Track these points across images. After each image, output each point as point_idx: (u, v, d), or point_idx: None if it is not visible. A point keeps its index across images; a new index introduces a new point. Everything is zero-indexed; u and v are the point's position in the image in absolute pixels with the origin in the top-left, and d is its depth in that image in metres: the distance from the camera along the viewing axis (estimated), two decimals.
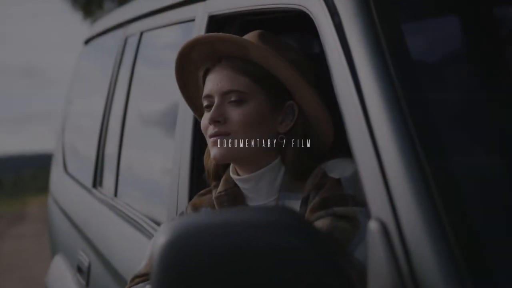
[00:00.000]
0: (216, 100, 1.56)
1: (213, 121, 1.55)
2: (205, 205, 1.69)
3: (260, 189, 1.58)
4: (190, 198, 1.88)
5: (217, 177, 1.70)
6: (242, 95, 1.54)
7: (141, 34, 2.75)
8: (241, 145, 1.53)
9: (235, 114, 1.53)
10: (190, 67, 1.66)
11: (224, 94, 1.56)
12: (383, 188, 1.10)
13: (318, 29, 1.38)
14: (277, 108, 1.56)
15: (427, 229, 1.02)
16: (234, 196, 1.61)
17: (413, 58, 1.22)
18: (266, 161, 1.58)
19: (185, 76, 1.69)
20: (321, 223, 1.38)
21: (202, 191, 1.76)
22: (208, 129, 1.58)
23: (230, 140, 1.54)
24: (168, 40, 2.61)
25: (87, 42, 3.80)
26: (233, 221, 1.04)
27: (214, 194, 1.68)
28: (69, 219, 3.17)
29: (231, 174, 1.65)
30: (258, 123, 1.53)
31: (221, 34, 1.59)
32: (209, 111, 1.58)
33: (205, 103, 1.60)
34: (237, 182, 1.62)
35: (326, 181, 1.45)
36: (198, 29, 2.03)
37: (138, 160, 2.71)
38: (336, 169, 1.47)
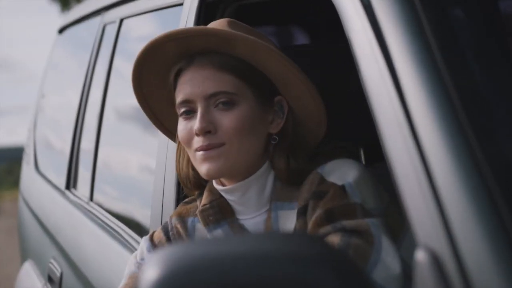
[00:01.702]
0: (200, 106, 1.34)
1: (204, 132, 1.33)
2: (192, 215, 1.49)
3: (248, 200, 1.41)
4: (177, 203, 1.68)
5: (198, 187, 1.50)
6: (231, 97, 1.34)
7: (121, 21, 2.56)
8: (238, 155, 1.35)
9: (226, 120, 1.33)
10: (151, 71, 1.43)
11: (209, 98, 1.34)
12: (434, 206, 0.86)
13: (339, 12, 1.15)
14: (266, 106, 1.39)
15: (497, 261, 0.79)
16: (220, 209, 1.44)
17: (462, 44, 0.99)
18: (256, 168, 1.39)
19: (145, 84, 1.46)
20: (330, 240, 1.21)
21: (187, 199, 1.56)
22: (193, 142, 1.36)
23: (225, 152, 1.34)
24: (151, 28, 2.41)
25: (61, 31, 3.56)
26: (244, 252, 0.80)
27: (198, 204, 1.48)
28: (40, 223, 2.98)
29: (214, 184, 1.45)
30: (252, 126, 1.35)
31: (202, 28, 1.37)
32: (188, 118, 1.37)
33: (181, 109, 1.38)
34: (222, 193, 1.44)
35: (327, 188, 1.29)
36: (187, 15, 1.81)
37: (117, 160, 2.52)
38: (335, 172, 1.31)
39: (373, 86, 1.01)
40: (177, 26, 1.88)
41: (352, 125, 2.11)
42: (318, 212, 1.26)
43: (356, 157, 1.43)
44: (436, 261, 0.85)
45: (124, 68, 2.55)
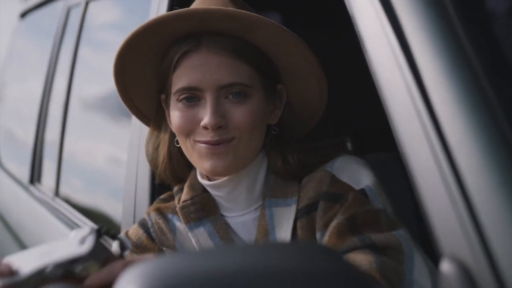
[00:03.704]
0: (209, 97, 1.21)
1: (216, 127, 1.20)
2: (171, 212, 1.36)
3: (237, 196, 1.30)
4: (152, 197, 1.57)
5: (176, 180, 1.37)
6: (245, 89, 1.22)
7: (87, 4, 2.43)
8: (246, 150, 1.25)
9: (238, 114, 1.21)
10: (139, 49, 1.27)
11: (222, 88, 1.21)
12: (462, 210, 0.74)
13: None
14: (270, 96, 1.28)
15: None
16: (203, 206, 1.31)
17: (495, 28, 0.86)
18: (248, 162, 1.28)
19: (127, 62, 1.28)
20: (361, 259, 1.09)
21: (163, 196, 1.43)
22: (194, 132, 1.23)
23: (234, 147, 1.23)
24: (120, 11, 2.28)
25: (23, 15, 3.39)
26: (243, 267, 0.66)
27: (177, 201, 1.35)
28: (3, 220, 2.84)
29: (199, 178, 1.32)
30: (261, 119, 1.25)
31: (230, 10, 1.20)
32: (190, 106, 1.23)
33: (182, 95, 1.23)
34: (208, 189, 1.32)
35: (343, 191, 1.20)
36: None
37: (84, 152, 2.40)
38: (345, 171, 1.22)
39: (384, 70, 0.87)
40: (148, 8, 1.74)
41: (338, 114, 1.99)
42: (340, 218, 1.16)
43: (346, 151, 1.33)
44: (465, 273, 0.72)
45: (91, 55, 2.43)
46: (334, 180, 1.21)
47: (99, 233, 0.85)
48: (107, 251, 0.85)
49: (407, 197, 1.70)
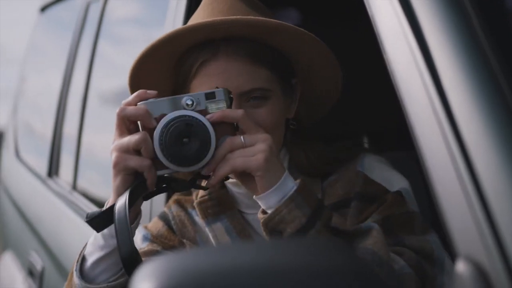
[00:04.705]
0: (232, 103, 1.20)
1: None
2: (190, 206, 1.37)
3: None
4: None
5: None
6: (265, 93, 1.22)
7: None
8: None
9: (260, 115, 1.21)
10: (156, 58, 1.25)
11: (243, 94, 1.20)
12: (478, 211, 0.73)
13: None
14: (286, 93, 1.28)
15: None
16: (219, 202, 1.32)
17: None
18: None
19: (143, 71, 1.27)
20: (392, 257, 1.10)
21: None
22: None
23: None
24: (139, 6, 2.27)
25: (43, 9, 3.39)
26: (255, 264, 0.66)
27: (194, 197, 1.36)
28: (21, 213, 2.83)
29: None
30: (282, 116, 1.26)
31: (251, 19, 1.18)
32: None
33: None
34: (229, 185, 1.31)
35: (379, 192, 1.22)
36: None
37: (101, 146, 2.36)
38: (377, 171, 1.24)
39: (402, 70, 0.87)
40: (167, 5, 1.74)
41: (356, 112, 1.98)
42: (376, 218, 1.17)
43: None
44: (481, 274, 0.72)
45: (109, 49, 2.42)
46: (368, 180, 1.23)
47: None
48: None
49: (423, 196, 1.69)
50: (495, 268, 0.71)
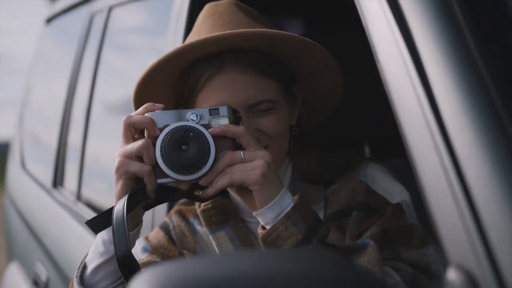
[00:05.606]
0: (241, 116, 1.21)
1: None
2: (192, 216, 1.38)
3: None
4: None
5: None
6: (271, 105, 1.23)
7: (110, 10, 2.43)
8: (279, 155, 1.26)
9: (268, 124, 1.23)
10: (162, 72, 1.26)
11: (251, 107, 1.21)
12: (469, 219, 0.74)
13: None
14: (289, 100, 1.29)
15: None
16: (223, 210, 1.33)
17: (505, 38, 0.86)
18: (279, 166, 1.29)
19: (149, 86, 1.27)
20: (386, 271, 1.12)
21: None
22: None
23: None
24: (142, 17, 2.28)
25: (48, 21, 3.41)
26: (254, 273, 0.67)
27: (197, 205, 1.36)
28: (26, 224, 2.83)
29: None
30: (287, 123, 1.28)
31: (255, 31, 1.19)
32: None
33: None
34: (232, 194, 1.30)
35: (380, 203, 1.23)
36: (180, 3, 1.66)
37: (106, 156, 2.37)
38: (380, 182, 1.27)
39: (394, 79, 0.87)
40: (168, 14, 1.75)
41: (357, 120, 1.98)
42: (375, 230, 1.19)
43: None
44: (471, 282, 0.72)
45: (113, 59, 2.43)
46: (370, 191, 1.24)
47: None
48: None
49: (421, 204, 1.70)
50: (484, 275, 0.71)
